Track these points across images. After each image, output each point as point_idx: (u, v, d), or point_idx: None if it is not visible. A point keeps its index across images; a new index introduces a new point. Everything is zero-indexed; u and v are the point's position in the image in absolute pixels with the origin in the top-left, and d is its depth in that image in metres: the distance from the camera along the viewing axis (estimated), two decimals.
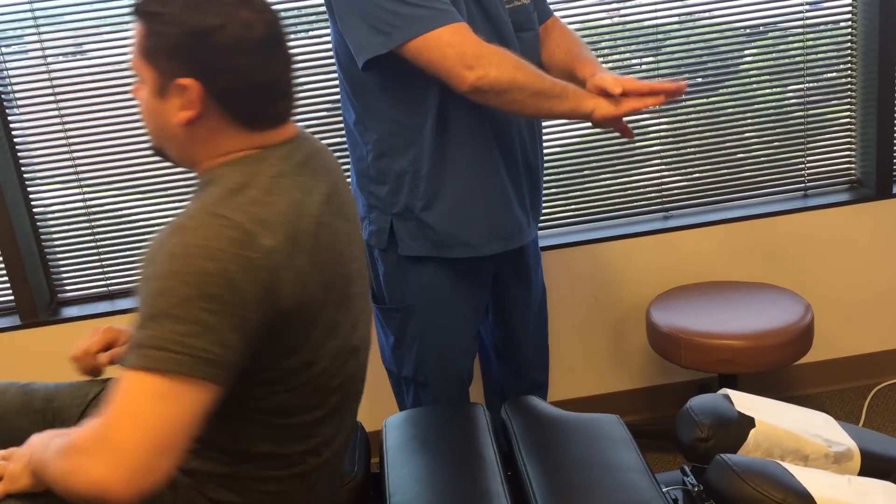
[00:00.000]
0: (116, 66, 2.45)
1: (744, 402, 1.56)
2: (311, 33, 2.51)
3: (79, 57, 2.46)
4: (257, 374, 1.20)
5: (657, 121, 2.67)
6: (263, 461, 1.30)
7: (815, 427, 1.53)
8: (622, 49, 2.64)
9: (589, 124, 2.61)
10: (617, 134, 2.62)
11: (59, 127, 2.46)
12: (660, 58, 2.63)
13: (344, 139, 2.21)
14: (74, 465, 1.09)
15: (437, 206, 1.85)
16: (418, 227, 1.87)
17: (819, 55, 2.69)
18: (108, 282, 2.60)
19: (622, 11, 2.58)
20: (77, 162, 2.50)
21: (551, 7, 2.09)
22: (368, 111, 1.85)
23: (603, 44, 2.62)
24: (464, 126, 1.81)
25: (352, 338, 1.33)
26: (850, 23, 2.67)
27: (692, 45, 2.64)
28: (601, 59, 2.64)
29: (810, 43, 2.68)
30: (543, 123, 2.21)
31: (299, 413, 1.29)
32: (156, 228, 2.55)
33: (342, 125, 2.25)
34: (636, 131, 2.66)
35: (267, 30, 1.21)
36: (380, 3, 1.68)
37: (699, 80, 2.67)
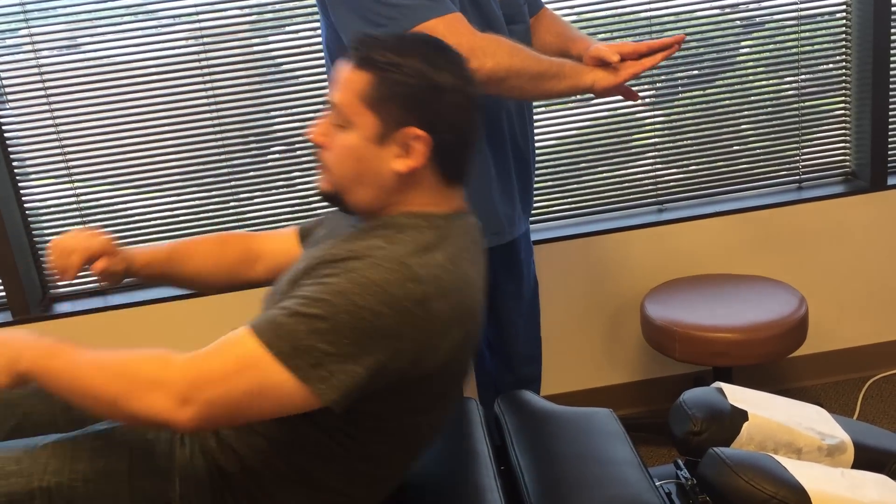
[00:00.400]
0: (107, 61, 2.43)
1: (737, 395, 1.56)
2: (307, 25, 2.49)
3: (70, 51, 2.44)
4: (373, 421, 1.23)
5: (652, 113, 2.67)
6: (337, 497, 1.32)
7: (809, 420, 1.52)
8: (617, 41, 2.62)
9: (583, 118, 2.63)
10: (611, 127, 2.64)
11: (50, 122, 2.45)
12: None
13: None
14: (138, 389, 1.10)
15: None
16: None
17: (814, 47, 2.69)
18: None
19: (617, 4, 2.57)
20: (68, 157, 2.48)
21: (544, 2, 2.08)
22: None
23: (599, 36, 2.61)
24: None
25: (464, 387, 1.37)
26: (844, 15, 2.66)
27: (687, 38, 2.63)
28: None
29: (805, 35, 2.67)
30: (536, 117, 2.21)
31: (391, 465, 1.31)
32: (147, 223, 2.55)
33: None
34: (630, 125, 2.65)
35: (477, 91, 1.29)
36: None
37: (694, 72, 2.66)
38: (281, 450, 1.28)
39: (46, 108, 2.44)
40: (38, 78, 2.42)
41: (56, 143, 2.47)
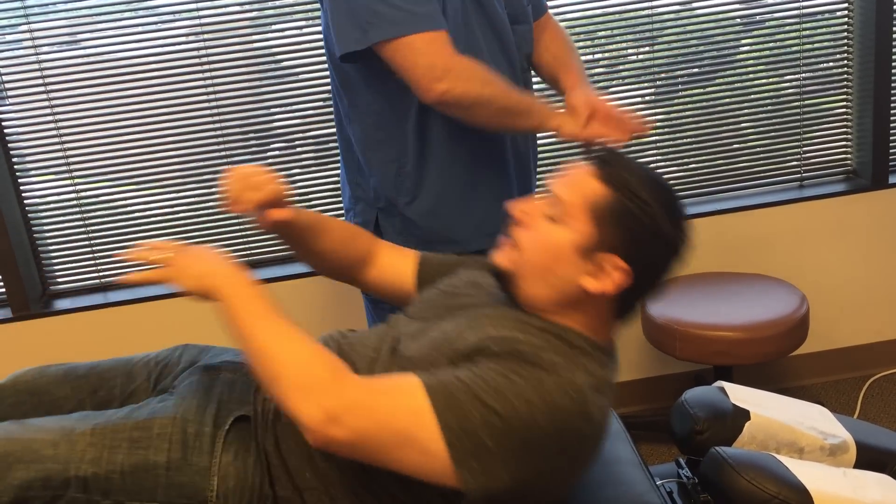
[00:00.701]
0: (107, 57, 2.43)
1: (739, 394, 1.55)
2: (307, 22, 2.49)
3: (70, 47, 2.43)
4: None
5: (653, 111, 2.66)
6: None
7: (811, 419, 1.52)
8: (618, 39, 2.62)
9: None
10: None
11: (50, 118, 2.44)
12: (656, 48, 2.62)
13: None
14: (302, 385, 1.10)
15: (421, 202, 1.83)
16: (403, 223, 1.86)
17: (815, 45, 2.68)
18: (100, 273, 2.58)
19: (619, 1, 2.56)
20: (68, 153, 2.48)
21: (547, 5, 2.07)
22: (354, 104, 1.83)
23: (599, 33, 2.61)
24: (447, 120, 1.79)
25: None
26: (846, 12, 2.66)
27: (688, 36, 2.62)
28: (596, 49, 2.63)
29: (807, 33, 2.66)
30: None
31: None
32: (147, 220, 2.54)
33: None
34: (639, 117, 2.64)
35: (685, 253, 1.29)
36: None
37: (695, 70, 2.66)
38: (354, 484, 1.24)
39: (46, 104, 2.43)
40: (38, 74, 2.41)
41: (56, 140, 2.46)
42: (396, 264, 1.56)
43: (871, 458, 1.48)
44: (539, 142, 2.06)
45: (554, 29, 2.04)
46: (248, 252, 2.61)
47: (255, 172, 1.40)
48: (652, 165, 2.69)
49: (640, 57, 2.63)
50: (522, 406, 1.11)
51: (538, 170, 2.06)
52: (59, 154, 2.48)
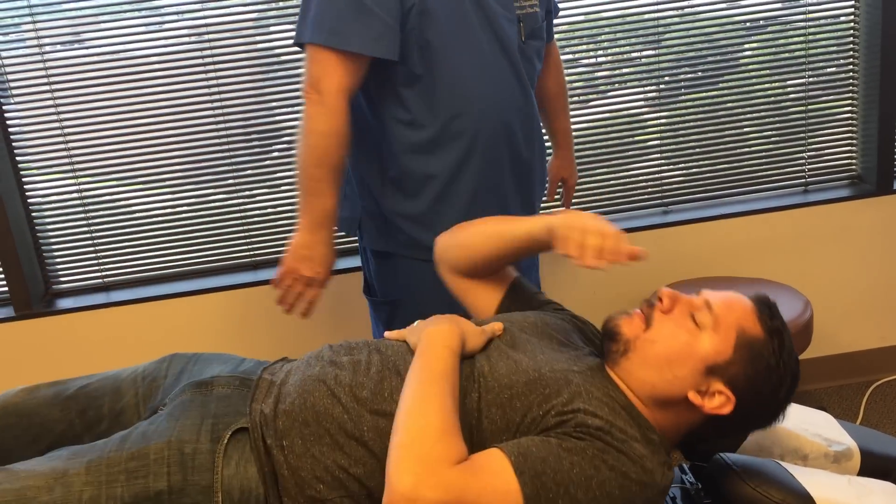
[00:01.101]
0: (111, 56, 2.43)
1: None
2: None
3: (75, 46, 2.43)
4: None
5: (656, 115, 2.65)
6: None
7: (815, 426, 1.51)
8: (621, 41, 2.61)
9: (588, 118, 2.62)
10: (617, 129, 2.62)
11: (55, 116, 2.44)
12: (660, 51, 2.62)
13: None
14: (408, 450, 1.10)
15: (404, 207, 1.83)
16: (386, 226, 1.86)
17: (821, 49, 2.68)
18: (104, 273, 2.58)
19: (624, 4, 2.55)
20: (72, 152, 2.48)
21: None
22: (353, 108, 1.83)
23: (603, 36, 2.60)
24: (433, 128, 1.78)
25: None
26: (852, 17, 2.65)
27: (693, 39, 2.62)
28: (600, 52, 2.62)
29: (812, 37, 2.66)
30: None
31: None
32: (150, 219, 2.54)
33: None
34: (636, 124, 2.64)
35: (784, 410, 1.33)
36: None
37: (699, 73, 2.65)
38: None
39: (51, 102, 2.43)
40: (42, 73, 2.41)
41: (60, 138, 2.46)
42: (497, 282, 1.57)
43: (875, 466, 1.47)
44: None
45: (557, 60, 2.15)
46: (252, 253, 2.61)
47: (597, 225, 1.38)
48: (655, 169, 2.69)
49: (644, 60, 2.62)
50: (604, 499, 1.13)
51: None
52: (63, 153, 2.48)
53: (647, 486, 1.17)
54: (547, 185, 2.22)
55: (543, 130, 2.14)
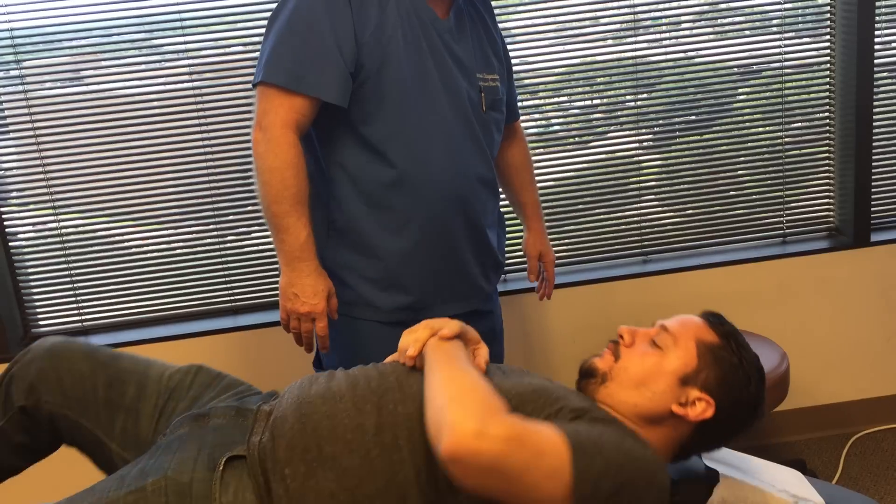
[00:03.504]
0: (97, 95, 2.44)
1: (715, 453, 1.55)
2: None
3: (57, 84, 2.45)
4: None
5: (637, 167, 2.68)
6: None
7: (783, 482, 1.51)
8: (616, 85, 2.64)
9: (566, 171, 2.64)
10: (597, 179, 2.65)
11: (37, 157, 2.45)
12: (639, 101, 2.65)
13: None
14: (471, 404, 1.13)
15: (352, 262, 1.84)
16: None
17: (796, 100, 2.71)
18: (83, 316, 2.58)
19: (602, 51, 2.59)
20: (55, 195, 2.48)
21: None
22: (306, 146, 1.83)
23: (599, 79, 2.63)
24: (382, 180, 1.79)
25: None
26: (828, 68, 2.69)
27: (671, 87, 2.65)
28: (594, 95, 2.66)
29: (788, 87, 2.70)
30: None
31: None
32: (132, 258, 2.54)
33: None
34: (622, 171, 2.67)
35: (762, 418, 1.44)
36: (281, 32, 1.71)
37: (676, 125, 2.68)
38: None
39: (33, 141, 2.44)
40: (24, 109, 2.42)
41: (42, 180, 2.47)
42: None
43: None
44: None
45: (522, 140, 2.17)
46: (232, 297, 2.61)
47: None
48: (637, 219, 2.71)
49: (623, 111, 2.66)
50: (629, 466, 1.20)
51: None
52: (45, 193, 2.48)
53: (659, 470, 1.23)
54: (527, 264, 2.24)
55: (505, 200, 2.18)
